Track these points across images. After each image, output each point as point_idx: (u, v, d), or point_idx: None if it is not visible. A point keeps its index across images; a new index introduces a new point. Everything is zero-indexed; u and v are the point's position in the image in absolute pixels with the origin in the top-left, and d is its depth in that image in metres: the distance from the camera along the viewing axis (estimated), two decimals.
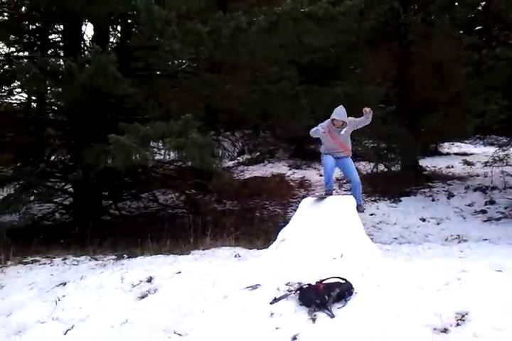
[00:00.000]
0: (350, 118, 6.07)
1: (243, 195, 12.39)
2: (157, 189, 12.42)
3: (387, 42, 14.73)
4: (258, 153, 18.95)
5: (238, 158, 18.44)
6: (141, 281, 5.37)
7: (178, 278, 5.40)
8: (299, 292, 4.32)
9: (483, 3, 14.31)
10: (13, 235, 8.15)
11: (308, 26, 8.66)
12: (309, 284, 4.42)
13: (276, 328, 3.94)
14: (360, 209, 6.13)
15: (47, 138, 11.96)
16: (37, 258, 7.02)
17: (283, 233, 5.78)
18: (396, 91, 14.15)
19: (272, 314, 4.12)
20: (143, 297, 5.05)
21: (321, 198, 5.96)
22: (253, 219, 9.33)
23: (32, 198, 10.12)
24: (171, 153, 9.06)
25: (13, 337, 4.66)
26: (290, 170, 16.30)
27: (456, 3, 14.76)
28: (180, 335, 4.02)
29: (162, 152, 13.38)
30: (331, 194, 6.11)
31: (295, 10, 8.31)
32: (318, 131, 5.91)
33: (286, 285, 4.59)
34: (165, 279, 5.32)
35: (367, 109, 5.96)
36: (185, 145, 7.64)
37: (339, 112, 5.95)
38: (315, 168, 16.21)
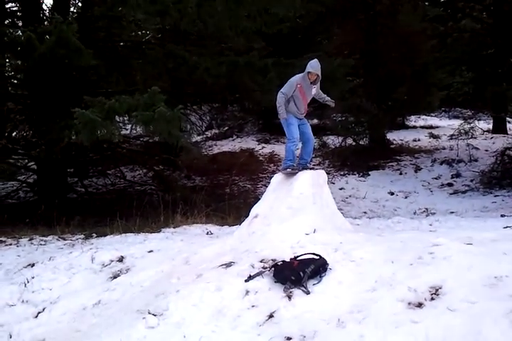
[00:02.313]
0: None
1: (212, 171, 12.29)
2: (124, 165, 12.17)
3: (355, 13, 14.62)
4: (226, 128, 18.77)
5: (206, 133, 18.23)
6: (112, 261, 5.29)
7: (149, 257, 5.34)
8: (273, 269, 4.31)
9: None
10: None
11: None
12: (284, 261, 4.42)
13: (253, 306, 3.93)
14: (309, 167, 6.21)
15: (7, 113, 11.47)
16: (2, 239, 6.83)
17: (255, 209, 5.72)
18: (364, 64, 14.16)
19: (247, 292, 4.11)
20: (115, 277, 4.98)
21: (292, 173, 5.88)
22: (223, 195, 9.24)
23: None
24: (138, 127, 8.80)
25: None
26: (259, 144, 16.24)
27: None
28: (155, 315, 3.96)
29: (128, 127, 13.05)
30: (297, 169, 5.95)
31: None
32: (292, 85, 5.71)
33: (261, 262, 4.57)
34: (136, 258, 5.25)
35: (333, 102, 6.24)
36: (152, 120, 7.43)
37: (314, 65, 5.74)
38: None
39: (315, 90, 5.92)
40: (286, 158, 5.99)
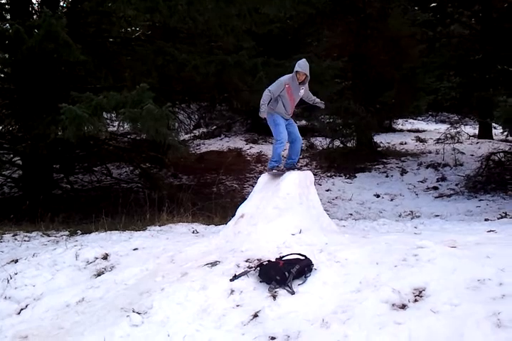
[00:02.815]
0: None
1: (199, 170, 12.27)
2: (111, 162, 12.07)
3: (345, 15, 14.69)
4: (214, 127, 18.74)
5: (194, 132, 18.18)
6: (96, 258, 5.25)
7: (134, 254, 5.32)
8: (259, 268, 4.33)
9: None
10: None
11: None
12: (269, 261, 4.44)
13: (237, 305, 3.95)
14: (297, 167, 6.17)
15: None
16: None
17: (241, 209, 5.71)
18: (352, 67, 14.24)
19: (232, 291, 4.12)
20: (99, 274, 4.95)
21: (278, 174, 5.88)
22: (210, 194, 9.22)
23: None
24: (125, 124, 8.74)
25: None
26: (247, 144, 16.24)
27: None
28: (139, 314, 3.95)
29: (115, 123, 12.97)
30: (282, 169, 5.94)
31: None
32: (281, 84, 5.67)
33: (246, 261, 4.59)
34: (121, 256, 5.22)
35: (323, 103, 6.26)
36: (140, 117, 7.39)
37: (302, 64, 5.69)
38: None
39: (303, 91, 5.89)
40: (272, 158, 5.99)
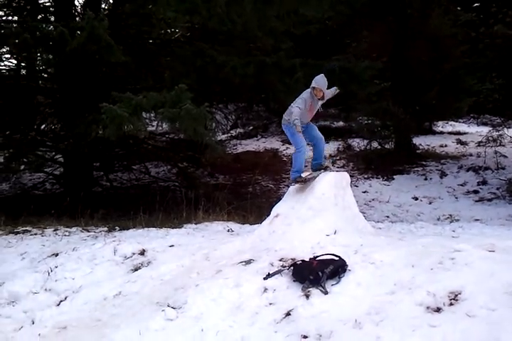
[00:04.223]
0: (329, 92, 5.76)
1: (236, 170, 12.35)
2: (149, 161, 12.31)
3: (385, 16, 14.50)
4: (251, 127, 18.81)
5: (231, 132, 18.29)
6: (133, 254, 5.38)
7: (171, 251, 5.41)
8: (292, 268, 4.34)
9: None
10: (3, 204, 8.07)
11: None
12: (303, 260, 4.44)
13: (270, 304, 3.97)
14: (323, 167, 6.00)
15: (37, 106, 11.75)
16: (28, 228, 6.98)
17: (276, 208, 5.73)
18: (392, 67, 14.04)
19: (265, 289, 4.14)
20: (136, 269, 5.06)
21: (309, 180, 5.68)
22: (246, 194, 9.28)
23: (22, 167, 10.02)
24: (164, 124, 8.90)
25: (7, 306, 4.66)
26: (283, 145, 16.20)
27: None
28: (174, 308, 4.03)
29: (154, 123, 13.22)
30: (304, 180, 5.71)
31: None
32: (306, 102, 5.45)
33: (280, 260, 4.60)
34: (158, 252, 5.32)
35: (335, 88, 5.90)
36: (178, 117, 7.53)
37: (320, 80, 5.50)
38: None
39: (321, 103, 5.70)
40: (293, 168, 5.79)
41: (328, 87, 5.64)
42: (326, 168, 5.95)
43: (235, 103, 15.15)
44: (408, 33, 14.04)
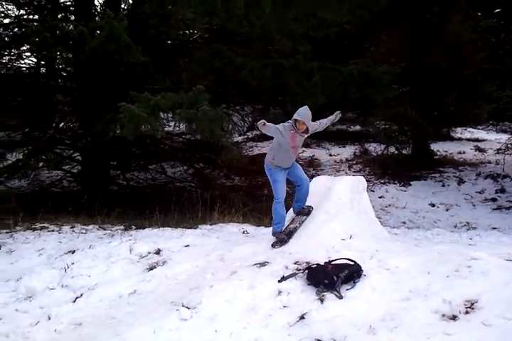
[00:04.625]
0: (314, 122, 5.28)
1: (252, 172, 12.34)
2: (165, 161, 12.39)
3: (404, 20, 14.43)
4: None
5: (247, 134, 18.31)
6: (149, 253, 5.43)
7: (186, 251, 5.45)
8: (307, 271, 4.34)
9: None
10: (22, 201, 8.17)
11: None
12: (318, 264, 4.43)
13: (284, 306, 3.97)
14: (305, 211, 5.51)
15: (56, 105, 11.89)
16: (45, 225, 7.08)
17: (292, 212, 5.75)
18: (410, 72, 13.96)
19: (279, 292, 4.15)
20: (151, 268, 5.11)
21: (281, 242, 5.17)
22: (261, 196, 9.27)
23: (40, 164, 10.14)
24: (181, 125, 8.96)
25: (24, 301, 4.73)
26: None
27: None
28: (189, 308, 4.06)
29: (171, 124, 13.31)
30: (284, 240, 5.19)
31: None
32: (286, 128, 4.98)
33: (295, 264, 4.61)
34: (173, 252, 5.36)
35: (337, 113, 5.55)
36: (195, 117, 7.57)
37: (303, 112, 5.01)
38: (324, 148, 16.14)
39: (303, 139, 5.26)
40: (274, 221, 5.33)
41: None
42: (308, 213, 5.48)
43: (252, 105, 15.15)
44: (427, 37, 13.97)
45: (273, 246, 5.15)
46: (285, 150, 5.15)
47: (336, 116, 5.56)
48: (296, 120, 5.03)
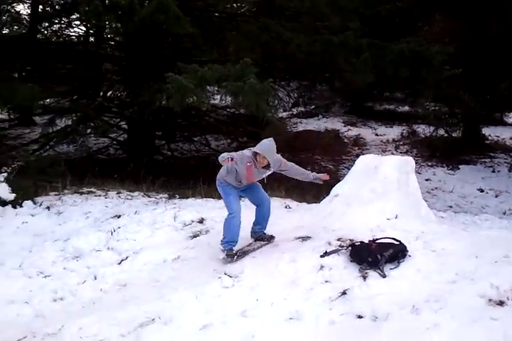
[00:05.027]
0: (280, 158, 4.68)
1: (295, 148, 12.23)
2: (210, 134, 12.43)
3: None
4: (313, 107, 18.56)
5: (292, 110, 18.11)
6: (192, 221, 5.51)
7: None
8: (350, 248, 4.30)
9: None
10: (70, 166, 8.40)
11: None
12: (362, 242, 4.38)
13: (326, 281, 3.96)
14: (266, 237, 4.87)
15: (104, 73, 12.06)
16: (92, 190, 7.28)
17: (337, 189, 5.65)
18: (464, 53, 13.38)
19: (321, 267, 4.13)
20: (194, 236, 5.19)
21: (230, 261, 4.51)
22: None
23: (88, 131, 10.36)
24: (227, 97, 8.94)
25: (71, 261, 4.91)
26: (345, 126, 15.93)
27: None
28: (231, 277, 4.12)
29: (217, 97, 13.32)
30: (235, 255, 4.53)
31: None
32: (243, 159, 4.40)
33: (338, 240, 4.57)
34: (216, 222, 5.40)
35: (326, 176, 4.94)
36: (242, 91, 7.53)
37: (266, 145, 4.39)
38: (371, 127, 15.82)
39: (270, 172, 4.63)
40: (224, 237, 4.58)
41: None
42: (270, 239, 4.85)
43: (298, 81, 14.95)
44: (485, 16, 13.29)
45: (225, 253, 4.52)
46: (238, 180, 4.59)
47: (316, 179, 4.93)
48: (257, 153, 4.40)
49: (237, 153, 4.47)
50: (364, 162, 5.84)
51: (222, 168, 4.64)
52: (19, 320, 4.13)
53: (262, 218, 4.84)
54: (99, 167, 8.70)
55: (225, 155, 4.26)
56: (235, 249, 4.56)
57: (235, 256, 4.49)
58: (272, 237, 4.85)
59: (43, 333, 3.78)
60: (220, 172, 4.72)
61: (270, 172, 4.63)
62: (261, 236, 4.84)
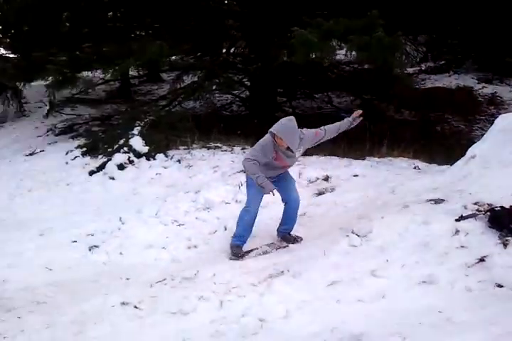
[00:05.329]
0: (310, 132, 4.38)
1: (423, 106, 11.55)
2: (331, 90, 12.11)
3: None
4: (443, 62, 17.24)
5: (420, 65, 17.00)
6: (317, 179, 5.50)
7: (354, 180, 5.42)
8: (489, 213, 3.99)
9: None
10: (197, 121, 8.73)
11: None
12: (502, 207, 4.04)
13: (462, 246, 3.74)
14: (291, 239, 4.50)
15: (228, 29, 12.13)
16: (219, 145, 7.55)
17: (473, 149, 5.24)
18: None
19: (457, 231, 3.89)
20: (320, 194, 5.19)
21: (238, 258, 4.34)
22: (433, 133, 8.69)
23: (213, 87, 10.61)
24: (351, 53, 8.57)
25: (202, 211, 5.18)
26: (479, 83, 14.56)
27: None
28: (358, 236, 4.05)
29: (339, 52, 12.89)
30: (241, 255, 4.35)
31: None
32: (266, 153, 4.12)
33: (475, 204, 4.25)
34: (342, 180, 5.35)
35: (358, 112, 4.67)
36: (369, 44, 7.16)
37: (281, 127, 4.06)
38: (510, 85, 14.38)
39: (302, 150, 4.33)
40: (236, 231, 4.44)
41: None
42: (294, 241, 4.49)
43: (427, 34, 13.88)
44: None
45: (232, 249, 4.41)
46: (271, 168, 4.29)
47: (355, 119, 4.67)
48: (274, 134, 4.08)
49: (257, 146, 4.22)
50: (505, 121, 5.37)
51: (251, 153, 4.29)
52: (158, 264, 4.49)
53: (288, 218, 4.52)
54: (224, 123, 8.94)
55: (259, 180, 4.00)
56: (253, 245, 4.42)
57: (242, 254, 4.35)
58: (297, 239, 4.49)
59: (180, 276, 4.05)
60: (247, 157, 4.27)
61: (301, 152, 4.36)
62: (286, 237, 4.55)
